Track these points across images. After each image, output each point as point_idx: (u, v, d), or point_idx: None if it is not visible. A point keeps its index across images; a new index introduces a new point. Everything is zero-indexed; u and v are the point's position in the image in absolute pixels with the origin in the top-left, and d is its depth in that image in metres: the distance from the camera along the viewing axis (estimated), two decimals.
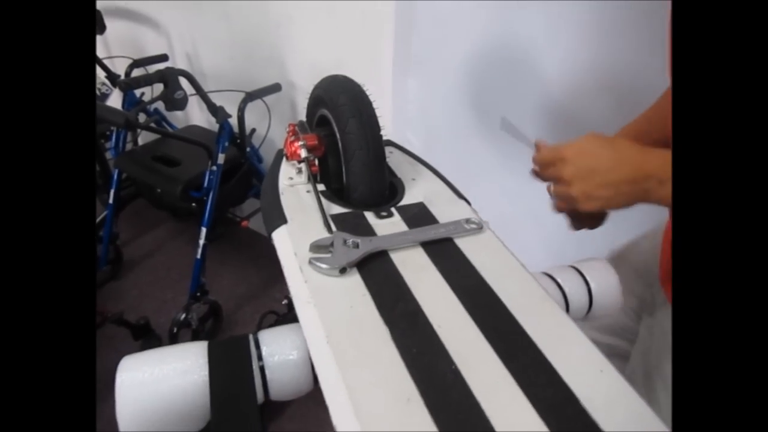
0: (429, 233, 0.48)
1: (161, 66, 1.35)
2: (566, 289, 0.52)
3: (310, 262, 0.43)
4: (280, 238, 0.47)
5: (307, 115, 0.65)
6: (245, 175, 1.63)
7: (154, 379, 0.39)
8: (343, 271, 0.42)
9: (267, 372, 0.41)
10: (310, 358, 0.43)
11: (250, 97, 1.42)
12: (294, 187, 0.54)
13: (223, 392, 0.39)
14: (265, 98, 1.49)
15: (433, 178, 0.60)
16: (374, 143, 0.53)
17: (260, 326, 1.43)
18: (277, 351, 0.42)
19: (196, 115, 2.02)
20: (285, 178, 0.55)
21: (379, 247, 0.45)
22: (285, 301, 1.45)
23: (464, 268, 0.46)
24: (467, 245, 0.48)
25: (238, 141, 1.50)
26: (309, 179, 0.54)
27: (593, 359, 0.37)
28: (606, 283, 0.53)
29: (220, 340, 0.42)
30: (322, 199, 0.51)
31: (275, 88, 1.50)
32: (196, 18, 1.69)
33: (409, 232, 0.48)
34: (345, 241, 0.45)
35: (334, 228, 0.48)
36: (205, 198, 1.49)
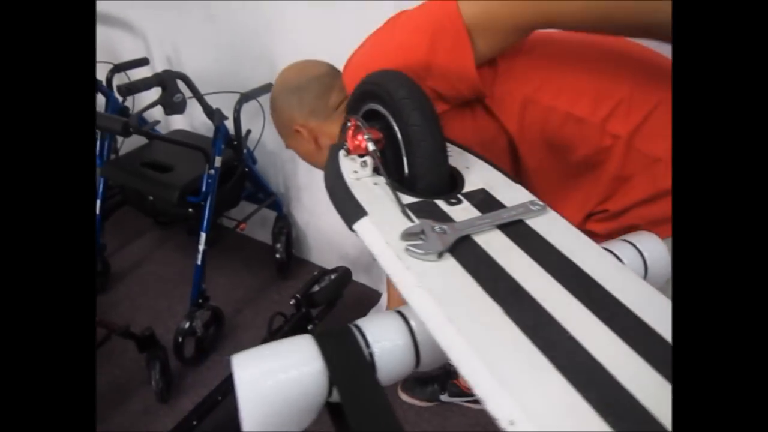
0: (503, 216, 0.50)
1: (142, 71, 1.32)
2: (625, 261, 0.55)
3: (406, 250, 0.45)
4: (365, 229, 0.49)
5: (350, 111, 0.66)
6: (240, 177, 1.61)
7: (272, 372, 0.40)
8: (440, 255, 0.44)
9: (375, 358, 0.43)
10: (414, 342, 0.45)
11: (246, 98, 1.41)
12: (360, 180, 0.56)
13: (345, 378, 0.40)
14: (257, 99, 1.48)
15: (484, 165, 0.62)
16: (438, 133, 0.54)
17: (270, 328, 1.42)
18: (382, 337, 0.44)
19: (176, 118, 1.98)
20: (350, 172, 0.56)
21: (465, 231, 0.47)
22: (293, 301, 1.45)
23: (543, 246, 0.48)
24: (538, 225, 0.51)
25: (235, 143, 1.48)
26: (376, 171, 0.56)
27: None
28: (659, 253, 0.57)
29: (324, 332, 0.43)
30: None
31: (268, 88, 1.49)
32: (178, 20, 1.66)
33: (487, 216, 0.50)
34: (433, 228, 0.46)
35: (413, 217, 0.49)
36: (202, 202, 1.47)
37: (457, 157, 0.63)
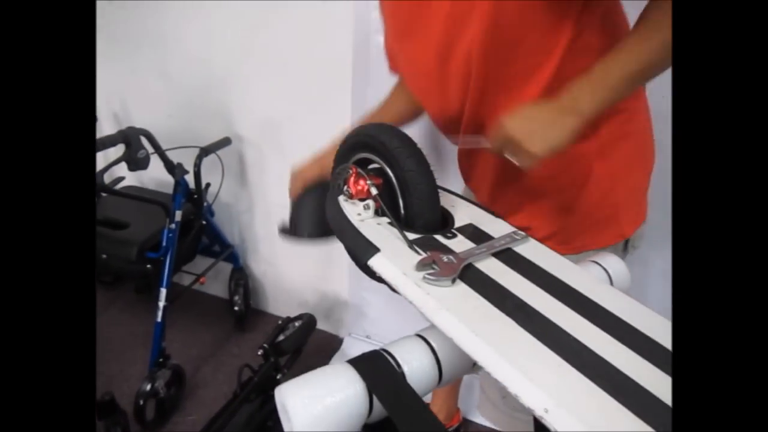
0: (495, 245, 0.58)
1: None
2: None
3: (424, 278, 0.51)
4: (380, 264, 0.55)
5: (340, 160, 0.73)
6: (198, 231, 1.61)
7: (321, 397, 0.44)
8: (453, 281, 0.51)
9: (406, 376, 0.48)
10: (437, 360, 0.50)
11: (206, 152, 1.44)
12: (365, 221, 0.62)
13: (389, 394, 0.45)
14: (216, 153, 1.51)
15: (467, 204, 0.70)
16: (431, 177, 0.62)
17: (240, 380, 1.40)
18: (410, 358, 0.49)
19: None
20: (354, 214, 0.62)
21: (468, 260, 0.54)
22: (260, 351, 1.44)
23: (533, 268, 0.56)
24: (525, 251, 0.59)
25: (195, 197, 1.49)
26: (378, 213, 0.62)
27: (651, 315, 0.50)
28: (620, 271, 0.67)
29: (358, 357, 0.48)
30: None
31: (226, 141, 1.53)
32: (128, 77, 1.67)
33: (482, 246, 0.58)
34: (443, 258, 0.53)
35: (419, 250, 0.56)
36: (162, 258, 1.45)
37: (443, 199, 0.71)
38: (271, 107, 1.56)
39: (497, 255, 0.58)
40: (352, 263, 1.84)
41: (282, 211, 1.82)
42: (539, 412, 0.39)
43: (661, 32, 0.64)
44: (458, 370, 0.52)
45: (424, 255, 0.55)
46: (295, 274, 1.88)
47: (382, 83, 1.37)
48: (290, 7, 1.38)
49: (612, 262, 0.67)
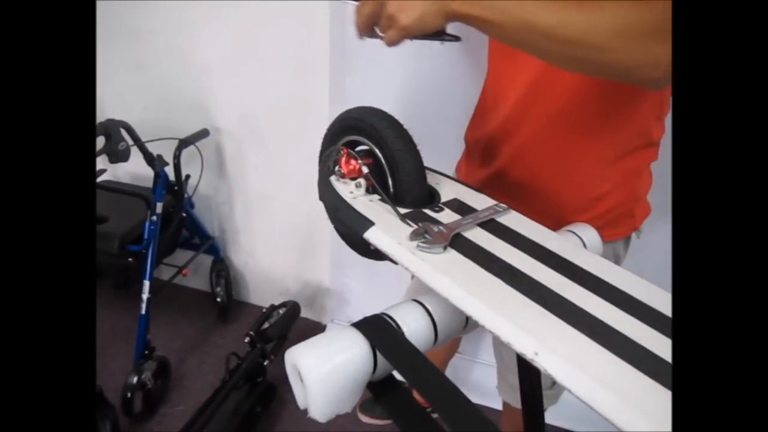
0: (480, 216, 0.63)
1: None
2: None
3: (417, 247, 0.55)
4: (376, 236, 0.58)
5: (329, 143, 0.76)
6: (179, 223, 1.61)
7: (330, 356, 0.48)
8: (445, 248, 0.55)
9: (406, 337, 0.52)
10: (433, 322, 0.55)
11: (185, 143, 1.44)
12: (357, 199, 0.65)
13: (392, 350, 0.49)
14: (195, 144, 1.52)
15: (450, 181, 0.74)
16: (418, 156, 0.66)
17: (227, 368, 1.42)
18: (409, 320, 0.53)
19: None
20: (347, 193, 0.66)
21: (457, 230, 0.59)
22: (247, 339, 1.47)
23: (516, 236, 0.61)
24: (507, 221, 0.64)
25: (176, 188, 1.50)
26: (369, 191, 0.66)
27: (622, 272, 0.55)
28: (593, 238, 0.72)
29: (362, 320, 0.52)
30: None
31: (204, 133, 1.54)
32: (102, 70, 1.65)
33: (468, 217, 0.62)
34: (434, 228, 0.57)
35: (411, 223, 0.60)
36: (144, 250, 1.45)
37: (429, 177, 0.75)
38: (249, 99, 1.57)
39: (482, 225, 0.62)
40: (334, 250, 1.89)
41: (262, 202, 1.85)
42: (530, 356, 0.43)
43: (577, 17, 0.55)
44: (452, 329, 0.56)
45: (416, 226, 0.59)
46: (276, 263, 1.90)
47: (360, 73, 1.40)
48: (268, 2, 1.40)
49: (585, 230, 0.73)
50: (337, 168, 0.68)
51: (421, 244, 0.55)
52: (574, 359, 0.42)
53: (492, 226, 0.62)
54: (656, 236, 1.02)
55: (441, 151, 1.01)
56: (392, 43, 0.65)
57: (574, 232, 0.72)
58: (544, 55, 0.62)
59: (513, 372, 1.01)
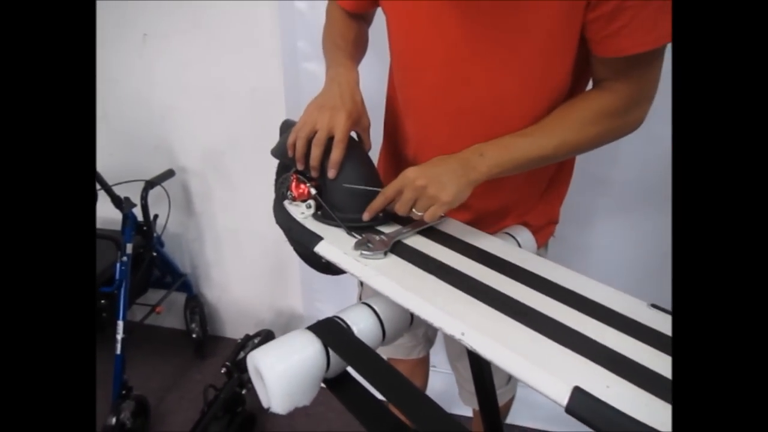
0: (420, 225, 0.70)
1: None
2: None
3: (361, 254, 0.62)
4: (325, 249, 0.65)
5: (281, 172, 0.83)
6: (150, 262, 1.64)
7: (286, 356, 0.54)
8: (386, 254, 0.62)
9: (356, 335, 0.58)
10: (380, 321, 0.61)
11: (151, 185, 1.49)
12: (307, 218, 0.72)
13: (343, 347, 0.55)
14: (161, 185, 1.57)
15: None
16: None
17: (206, 400, 1.44)
18: (358, 321, 0.59)
19: None
20: (298, 214, 0.72)
21: (397, 237, 0.66)
22: (224, 369, 1.49)
23: (451, 239, 0.68)
24: (445, 228, 0.71)
25: (144, 229, 1.54)
26: (318, 209, 0.72)
27: (544, 263, 0.63)
28: (527, 239, 0.80)
29: (315, 323, 0.58)
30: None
31: (170, 174, 1.59)
32: None
33: (408, 226, 0.69)
34: (376, 238, 0.64)
35: (355, 235, 0.67)
36: (116, 291, 1.48)
37: None
38: (211, 137, 1.63)
39: (422, 233, 0.69)
40: (304, 277, 1.93)
41: (231, 236, 1.89)
42: (458, 336, 0.50)
43: (581, 132, 0.68)
44: (398, 325, 0.63)
45: (359, 237, 0.66)
46: (249, 295, 1.94)
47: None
48: (220, 40, 1.48)
49: (520, 231, 0.81)
50: (288, 192, 0.75)
51: (364, 252, 0.62)
52: (495, 335, 0.49)
53: (430, 233, 0.70)
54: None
55: None
56: (435, 218, 0.65)
57: (509, 234, 0.80)
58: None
59: (469, 380, 1.08)
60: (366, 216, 0.69)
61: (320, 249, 0.66)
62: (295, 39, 1.35)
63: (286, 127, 0.81)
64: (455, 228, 0.72)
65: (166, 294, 1.76)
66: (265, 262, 1.85)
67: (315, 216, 0.72)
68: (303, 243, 0.68)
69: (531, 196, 0.85)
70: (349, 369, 0.59)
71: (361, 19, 0.90)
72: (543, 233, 0.90)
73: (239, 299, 1.97)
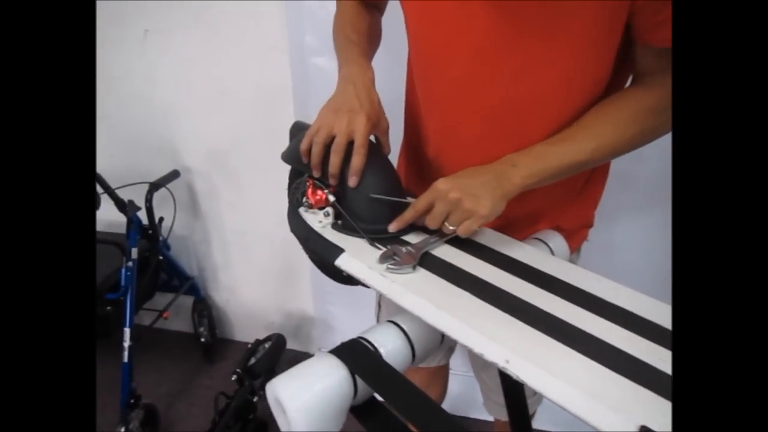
0: (447, 233, 0.65)
1: None
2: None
3: (387, 269, 0.56)
4: (347, 262, 0.60)
5: (294, 177, 0.78)
6: (156, 266, 1.60)
7: (309, 385, 0.49)
8: (414, 268, 0.57)
9: (384, 358, 0.53)
10: (409, 341, 0.56)
11: (155, 186, 1.44)
12: (326, 227, 0.67)
13: (370, 375, 0.50)
14: (166, 186, 1.52)
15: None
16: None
17: (217, 409, 1.40)
18: (386, 342, 0.54)
19: None
20: (315, 222, 0.67)
21: (424, 249, 0.61)
22: (234, 377, 1.45)
23: (482, 248, 0.63)
24: (473, 235, 0.66)
25: (150, 232, 1.49)
26: (338, 218, 0.67)
27: (586, 274, 0.57)
28: (560, 245, 0.75)
29: (339, 346, 0.53)
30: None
31: (175, 174, 1.54)
32: None
33: (435, 236, 0.64)
34: (402, 250, 0.59)
35: (380, 246, 0.62)
36: (122, 297, 1.44)
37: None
38: (216, 136, 1.58)
39: (449, 242, 0.64)
40: (314, 279, 1.88)
41: (238, 237, 1.85)
42: (502, 364, 0.45)
43: (619, 133, 0.64)
44: (429, 346, 0.57)
45: (384, 249, 0.60)
46: (258, 297, 1.89)
47: (324, 100, 1.43)
48: (224, 35, 1.42)
49: (552, 236, 0.75)
50: (304, 199, 0.69)
51: (390, 266, 0.57)
52: (543, 363, 0.44)
53: (459, 242, 0.64)
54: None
55: None
56: (469, 232, 0.61)
57: (541, 240, 0.74)
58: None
59: (495, 391, 1.03)
60: (393, 228, 0.63)
61: (342, 262, 0.60)
62: (303, 33, 1.29)
63: (298, 129, 0.76)
64: (485, 236, 0.66)
65: (174, 298, 1.72)
66: (274, 263, 1.80)
67: (334, 225, 0.66)
68: (323, 255, 0.63)
69: (564, 200, 0.80)
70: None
71: (374, 8, 0.85)
72: (576, 238, 0.84)
73: (248, 301, 1.92)
